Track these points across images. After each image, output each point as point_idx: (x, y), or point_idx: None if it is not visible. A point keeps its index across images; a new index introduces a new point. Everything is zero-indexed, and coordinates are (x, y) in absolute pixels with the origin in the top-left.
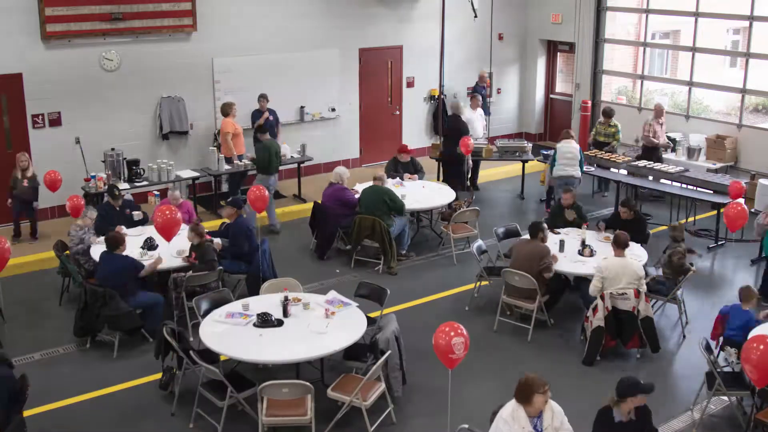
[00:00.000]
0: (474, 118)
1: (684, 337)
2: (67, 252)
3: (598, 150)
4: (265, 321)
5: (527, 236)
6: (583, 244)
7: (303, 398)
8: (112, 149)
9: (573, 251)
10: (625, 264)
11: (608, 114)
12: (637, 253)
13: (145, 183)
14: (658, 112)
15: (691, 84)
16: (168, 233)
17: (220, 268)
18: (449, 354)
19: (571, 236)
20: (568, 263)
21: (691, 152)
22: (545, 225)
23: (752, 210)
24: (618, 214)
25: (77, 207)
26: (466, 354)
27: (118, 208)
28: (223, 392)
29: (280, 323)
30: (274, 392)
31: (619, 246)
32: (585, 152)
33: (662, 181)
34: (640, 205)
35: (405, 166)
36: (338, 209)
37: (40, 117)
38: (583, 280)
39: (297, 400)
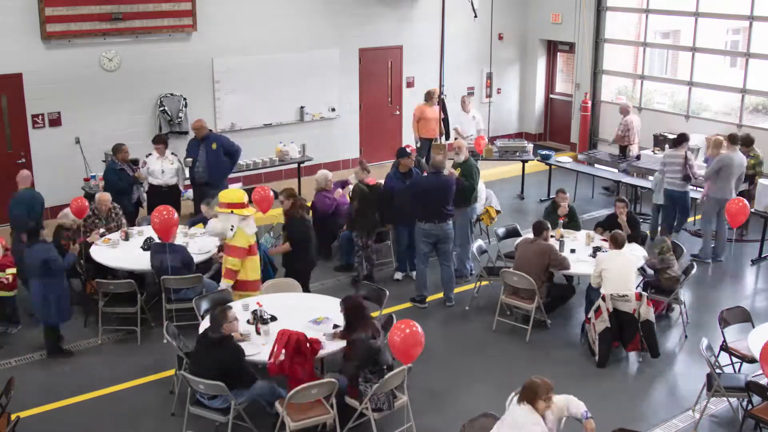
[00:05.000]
0: (465, 120)
1: (686, 337)
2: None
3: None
4: (256, 318)
5: (529, 235)
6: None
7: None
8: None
9: (577, 252)
10: (621, 253)
11: (747, 142)
12: (637, 254)
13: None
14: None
15: (691, 84)
16: (166, 233)
17: (198, 274)
18: (413, 347)
19: (569, 238)
20: (571, 263)
21: (691, 152)
22: (549, 224)
23: (752, 210)
24: (614, 216)
25: (81, 209)
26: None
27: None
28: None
29: (273, 319)
30: (304, 397)
31: (617, 245)
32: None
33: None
34: (640, 206)
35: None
36: (326, 217)
37: (40, 117)
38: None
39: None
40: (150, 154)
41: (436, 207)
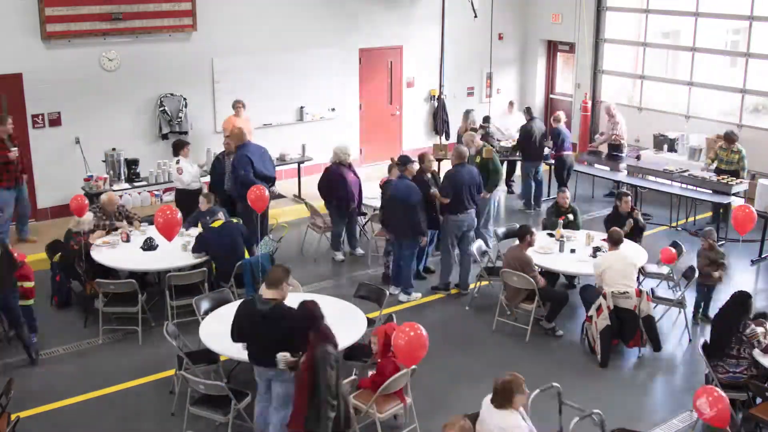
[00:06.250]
0: (509, 120)
1: (690, 340)
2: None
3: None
4: None
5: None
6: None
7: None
8: (113, 149)
9: (577, 252)
10: (619, 254)
11: (730, 139)
12: (638, 253)
13: (143, 183)
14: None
15: (691, 84)
16: (169, 233)
17: (204, 269)
18: (417, 350)
19: (571, 239)
20: (571, 263)
21: (692, 152)
22: (533, 229)
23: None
24: (616, 209)
25: (81, 207)
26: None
27: None
28: (224, 405)
29: None
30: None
31: (614, 242)
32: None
33: (662, 180)
34: (641, 205)
35: None
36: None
37: (40, 117)
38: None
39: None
40: (179, 160)
41: (469, 196)
